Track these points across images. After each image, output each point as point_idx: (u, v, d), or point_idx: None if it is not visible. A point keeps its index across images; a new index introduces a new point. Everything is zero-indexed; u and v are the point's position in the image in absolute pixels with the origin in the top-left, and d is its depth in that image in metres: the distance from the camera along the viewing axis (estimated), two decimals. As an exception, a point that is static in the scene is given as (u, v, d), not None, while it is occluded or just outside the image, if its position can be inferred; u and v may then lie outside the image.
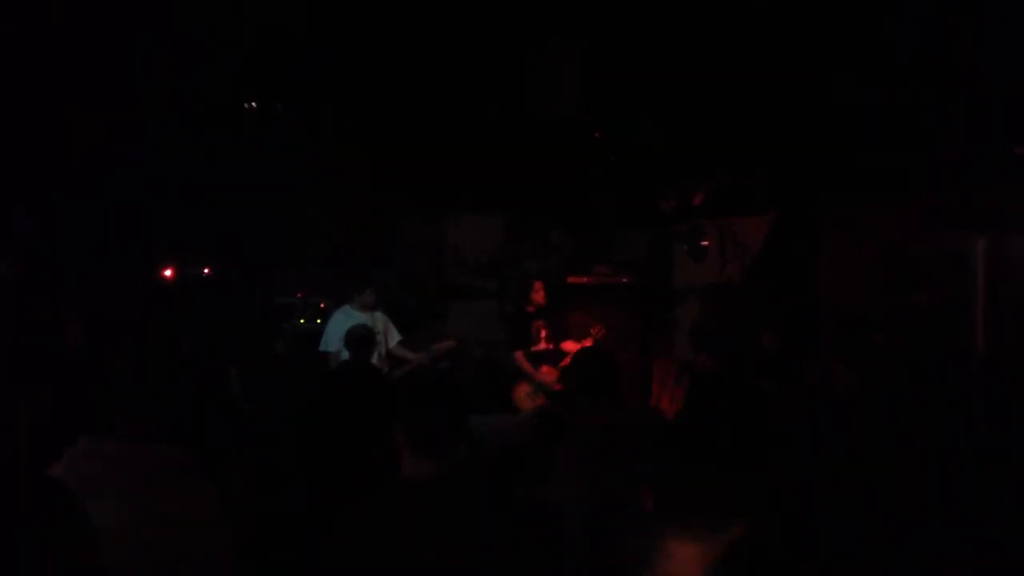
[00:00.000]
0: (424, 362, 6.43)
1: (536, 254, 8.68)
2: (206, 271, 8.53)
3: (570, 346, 6.86)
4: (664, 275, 8.29)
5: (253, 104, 6.18)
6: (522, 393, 6.71)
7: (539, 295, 6.96)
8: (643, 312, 8.16)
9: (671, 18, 5.16)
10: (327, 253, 8.15)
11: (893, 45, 4.64)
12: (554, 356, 6.82)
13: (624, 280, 8.14)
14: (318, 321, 8.03)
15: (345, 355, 5.79)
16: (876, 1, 4.46)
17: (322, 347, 6.45)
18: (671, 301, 8.12)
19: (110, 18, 5.30)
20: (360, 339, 5.51)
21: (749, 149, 6.39)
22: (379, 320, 6.48)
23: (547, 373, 6.74)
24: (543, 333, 6.87)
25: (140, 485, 1.94)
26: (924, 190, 5.29)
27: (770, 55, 5.29)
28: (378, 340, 6.35)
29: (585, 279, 8.18)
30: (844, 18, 4.69)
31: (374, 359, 6.04)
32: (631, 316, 8.02)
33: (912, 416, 4.10)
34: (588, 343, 6.87)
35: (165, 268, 8.02)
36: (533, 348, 6.81)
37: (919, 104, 4.85)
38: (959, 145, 4.81)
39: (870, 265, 5.74)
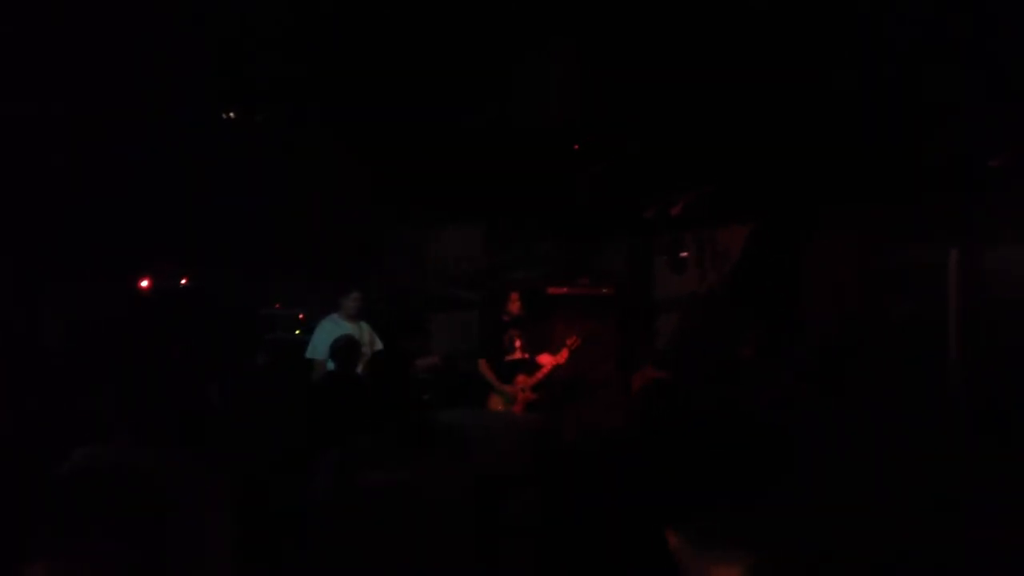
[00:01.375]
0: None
1: (518, 264, 8.70)
2: (183, 281, 8.47)
3: (545, 359, 6.88)
4: (644, 286, 8.33)
5: (231, 114, 6.15)
6: (497, 402, 6.71)
7: (514, 305, 6.96)
8: (624, 323, 8.20)
9: (652, 31, 5.21)
10: (308, 263, 8.13)
11: (872, 60, 4.71)
12: (529, 366, 6.83)
13: (605, 291, 8.17)
14: (296, 332, 7.98)
15: (331, 364, 5.79)
16: (856, 18, 4.53)
17: (309, 354, 6.44)
18: (652, 312, 8.16)
19: (86, 26, 5.27)
20: (345, 349, 5.50)
21: (729, 160, 6.46)
22: (365, 331, 6.48)
23: (522, 382, 6.75)
24: (517, 343, 6.88)
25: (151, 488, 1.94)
26: (900, 202, 5.37)
27: (750, 68, 5.35)
28: (363, 352, 6.34)
29: (566, 289, 8.21)
30: (825, 32, 4.77)
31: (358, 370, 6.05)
32: (612, 327, 8.04)
33: (888, 424, 4.16)
34: (564, 355, 6.88)
35: (142, 279, 7.96)
36: (508, 358, 6.81)
37: (896, 118, 4.93)
38: (934, 158, 4.90)
39: (847, 276, 5.82)
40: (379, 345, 6.60)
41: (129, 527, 1.48)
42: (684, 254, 7.87)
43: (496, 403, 6.68)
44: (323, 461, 2.58)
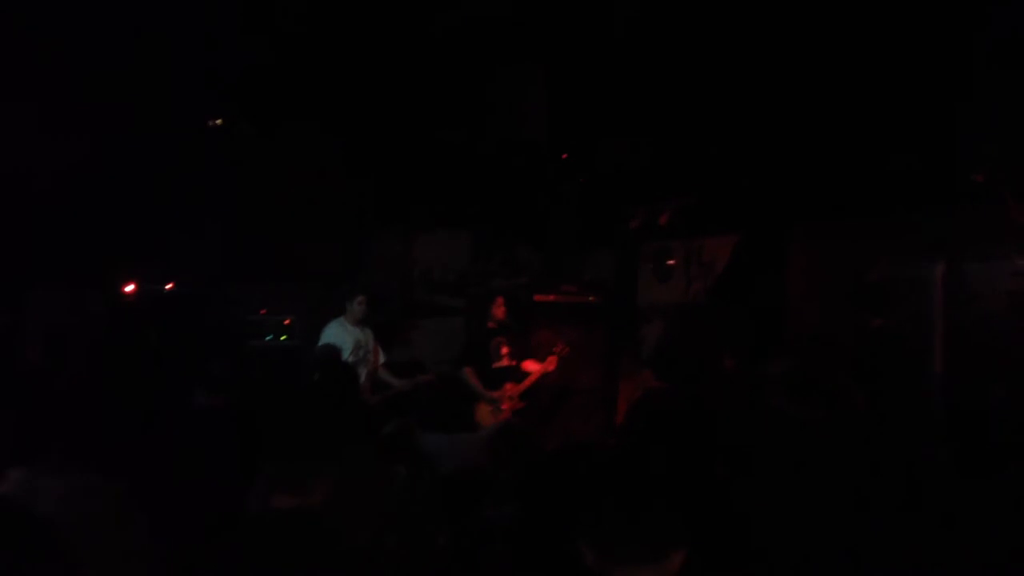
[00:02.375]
0: (407, 389, 6.40)
1: (502, 272, 8.68)
2: (169, 286, 8.40)
3: (531, 366, 6.86)
4: (630, 294, 8.32)
5: (219, 121, 6.12)
6: (485, 411, 6.68)
7: (500, 310, 6.93)
8: (610, 331, 8.19)
9: (638, 43, 5.22)
10: (292, 269, 8.08)
11: (858, 73, 4.72)
12: (517, 374, 6.81)
13: (591, 299, 8.16)
14: (283, 338, 7.91)
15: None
16: (843, 31, 4.54)
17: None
18: (637, 320, 8.15)
19: (72, 28, 5.24)
20: (329, 360, 5.48)
21: (715, 171, 6.47)
22: (369, 337, 6.43)
23: (510, 390, 6.73)
24: (504, 350, 6.85)
25: (69, 519, 1.89)
26: (885, 215, 5.38)
27: (736, 80, 5.36)
28: (368, 359, 6.30)
29: (552, 297, 8.19)
30: (812, 44, 4.78)
31: (361, 378, 6.03)
32: (597, 335, 8.04)
33: (870, 438, 4.14)
34: (552, 362, 6.86)
35: (126, 283, 7.88)
36: (495, 365, 6.79)
37: (881, 131, 4.94)
38: (920, 172, 4.90)
39: (831, 289, 5.82)
40: (382, 355, 6.56)
41: None
42: (671, 262, 7.87)
43: (484, 413, 6.66)
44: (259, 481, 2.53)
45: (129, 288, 7.81)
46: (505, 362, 6.85)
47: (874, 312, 5.31)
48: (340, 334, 6.19)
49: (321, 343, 6.21)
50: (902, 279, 5.26)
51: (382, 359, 6.57)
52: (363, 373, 6.13)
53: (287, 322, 8.17)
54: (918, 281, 5.13)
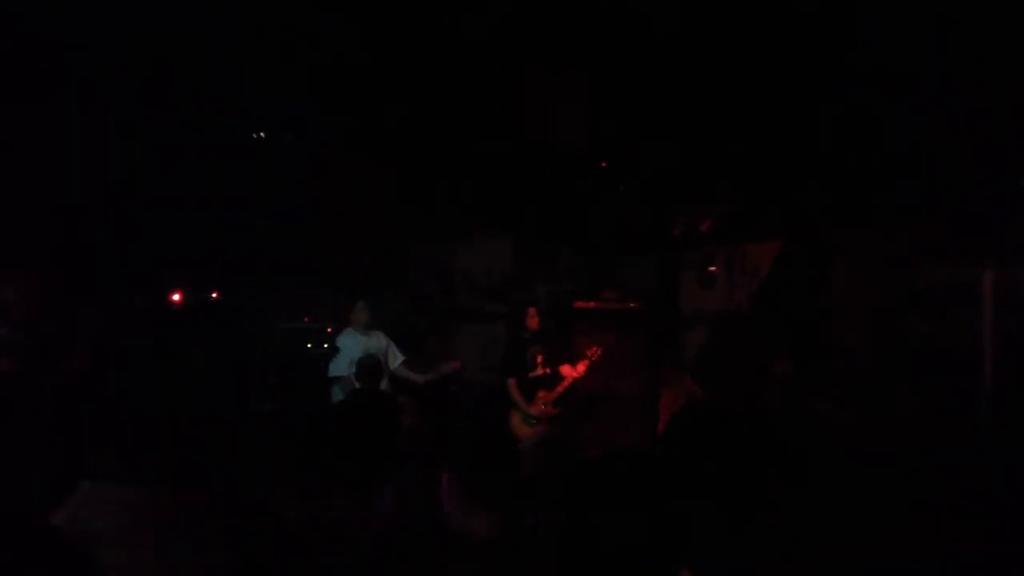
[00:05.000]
0: (431, 381, 6.44)
1: (545, 278, 8.68)
2: (215, 295, 8.53)
3: (567, 371, 6.83)
4: (672, 301, 8.27)
5: (262, 134, 6.22)
6: (517, 419, 6.68)
7: (533, 320, 6.93)
8: (651, 338, 8.13)
9: (678, 50, 5.20)
10: (336, 276, 8.17)
11: (904, 79, 4.67)
12: (551, 381, 6.79)
13: (632, 306, 8.12)
14: (325, 346, 7.97)
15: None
16: (885, 35, 4.49)
17: (331, 372, 6.39)
18: (679, 327, 8.09)
19: (120, 44, 5.37)
20: (369, 370, 5.54)
21: (758, 176, 6.41)
22: (381, 340, 6.49)
23: (543, 397, 6.72)
24: (539, 358, 6.84)
25: (146, 532, 1.90)
26: (933, 220, 5.30)
27: (779, 85, 5.32)
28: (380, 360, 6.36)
29: (592, 304, 8.17)
30: (853, 52, 4.73)
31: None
32: (639, 342, 7.98)
33: (920, 443, 4.09)
34: (583, 367, 6.83)
35: (173, 292, 8.01)
36: (531, 374, 6.78)
37: (929, 135, 4.87)
38: (968, 176, 4.82)
39: (878, 296, 5.74)
40: (397, 355, 6.59)
41: None
42: (713, 269, 7.81)
43: (518, 423, 6.67)
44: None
45: (176, 296, 7.93)
46: (540, 371, 6.84)
47: (922, 320, 5.23)
48: (350, 343, 6.28)
49: (336, 355, 6.31)
50: (951, 287, 5.17)
51: (400, 358, 6.60)
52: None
53: (329, 330, 8.24)
54: (968, 289, 5.04)
